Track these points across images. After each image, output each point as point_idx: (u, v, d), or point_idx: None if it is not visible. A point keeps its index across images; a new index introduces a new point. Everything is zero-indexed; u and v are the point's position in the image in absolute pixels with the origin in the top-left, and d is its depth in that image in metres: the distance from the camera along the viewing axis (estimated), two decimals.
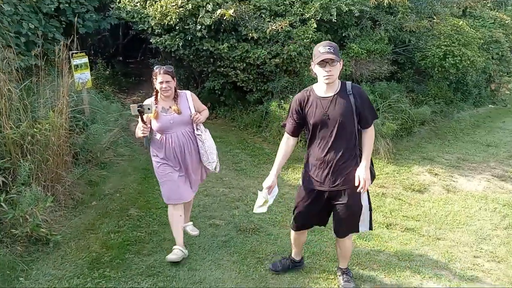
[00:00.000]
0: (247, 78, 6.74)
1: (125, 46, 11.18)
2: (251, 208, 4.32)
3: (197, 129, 3.31)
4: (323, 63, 2.55)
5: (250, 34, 6.24)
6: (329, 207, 2.87)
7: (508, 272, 3.20)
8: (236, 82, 6.87)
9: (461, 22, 7.50)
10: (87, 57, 5.65)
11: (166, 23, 6.42)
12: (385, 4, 6.18)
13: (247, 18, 6.35)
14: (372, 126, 2.77)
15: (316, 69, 2.63)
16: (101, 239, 3.67)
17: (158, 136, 3.26)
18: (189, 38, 6.48)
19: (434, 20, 7.20)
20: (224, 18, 6.09)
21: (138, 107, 3.02)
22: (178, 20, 6.29)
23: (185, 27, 6.37)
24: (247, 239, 3.73)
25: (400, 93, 7.11)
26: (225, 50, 6.38)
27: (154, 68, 3.22)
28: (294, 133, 2.85)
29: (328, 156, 2.68)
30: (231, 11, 6.01)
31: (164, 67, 3.20)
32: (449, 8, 8.18)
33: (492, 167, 5.50)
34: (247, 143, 6.50)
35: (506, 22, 10.49)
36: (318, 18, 6.24)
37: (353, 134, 2.69)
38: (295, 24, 6.39)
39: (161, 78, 3.16)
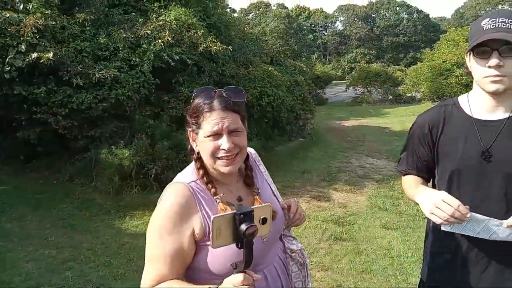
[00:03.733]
0: (70, 124, 6.19)
1: None
2: (86, 267, 3.92)
3: (285, 238, 1.48)
4: (486, 50, 1.31)
5: (75, 81, 5.81)
6: None
7: (334, 277, 3.72)
8: (57, 129, 6.23)
9: (270, 68, 8.71)
10: None
11: None
12: (211, 53, 6.73)
13: (68, 62, 5.92)
14: None
15: (472, 61, 1.39)
16: None
17: None
18: None
19: (250, 68, 8.17)
20: (41, 61, 5.53)
21: (241, 219, 1.03)
22: None
23: None
24: None
25: None
26: (42, 95, 5.77)
27: (194, 95, 1.28)
28: (419, 173, 1.61)
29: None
30: (49, 55, 5.51)
31: (224, 92, 1.25)
32: (260, 57, 9.41)
33: (309, 190, 6.39)
34: (75, 195, 5.90)
35: (304, 69, 12.66)
36: (148, 65, 6.31)
37: None
38: (122, 69, 6.28)
39: (218, 119, 1.22)
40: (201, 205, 1.23)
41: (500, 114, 1.41)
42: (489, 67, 1.31)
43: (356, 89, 21.24)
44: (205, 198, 1.24)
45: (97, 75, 5.74)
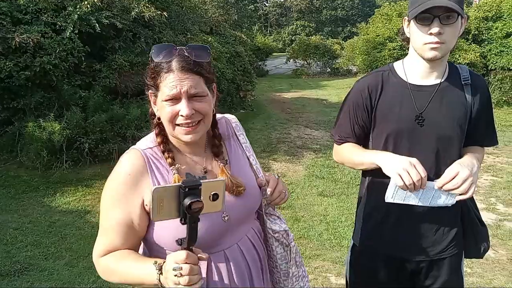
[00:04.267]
0: None
1: None
2: (13, 247, 3.68)
3: (268, 217, 1.35)
4: (428, 17, 1.34)
5: None
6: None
7: None
8: None
9: (210, 38, 8.47)
10: None
11: None
12: (145, 19, 6.33)
13: None
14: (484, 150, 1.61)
15: (412, 28, 1.41)
16: None
17: None
18: None
19: (188, 36, 7.87)
20: None
21: (186, 192, 0.93)
22: None
23: None
24: (14, 282, 3.14)
25: None
26: None
27: (152, 53, 1.13)
28: (357, 140, 1.61)
29: None
30: None
31: (186, 50, 1.12)
32: (198, 25, 9.09)
33: None
34: None
35: (244, 40, 12.49)
36: (76, 31, 5.81)
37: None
38: (47, 34, 5.74)
39: (176, 81, 1.10)
40: (153, 174, 1.14)
41: (432, 79, 1.47)
42: (431, 34, 1.34)
43: (296, 62, 21.48)
44: (159, 168, 1.16)
45: (17, 40, 5.18)
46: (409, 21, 1.42)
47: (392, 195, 1.39)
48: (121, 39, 6.54)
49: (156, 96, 1.15)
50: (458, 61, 10.80)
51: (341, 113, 1.62)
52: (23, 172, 5.48)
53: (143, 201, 1.13)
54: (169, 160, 1.16)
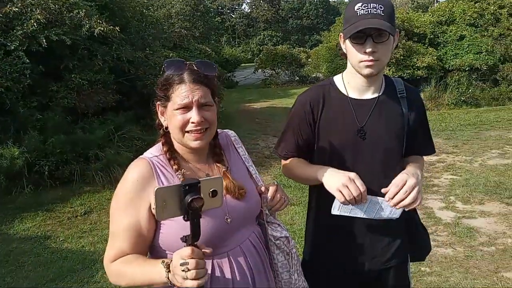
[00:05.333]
0: None
1: None
2: None
3: (270, 225, 1.39)
4: (361, 36, 1.37)
5: None
6: None
7: None
8: None
9: (171, 54, 8.43)
10: None
11: None
12: (96, 35, 6.18)
13: None
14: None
15: (347, 46, 1.44)
16: None
17: None
18: None
19: (147, 51, 7.79)
20: None
21: (186, 190, 0.98)
22: None
23: None
24: None
25: (130, 121, 7.29)
26: None
27: (164, 67, 1.24)
28: (301, 155, 1.62)
29: None
30: None
31: (195, 65, 1.24)
32: (160, 41, 9.04)
33: None
34: None
35: (209, 53, 12.53)
36: (24, 49, 5.64)
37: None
38: None
39: (188, 92, 1.20)
40: (159, 180, 1.22)
41: (370, 94, 1.51)
42: (365, 52, 1.37)
43: (264, 71, 21.65)
44: (165, 174, 1.24)
45: None
46: (344, 38, 1.45)
47: (338, 208, 1.42)
48: (76, 57, 6.40)
49: (165, 106, 1.24)
50: (416, 65, 11.18)
51: (285, 129, 1.64)
52: None
53: (150, 205, 1.20)
54: (175, 166, 1.25)
